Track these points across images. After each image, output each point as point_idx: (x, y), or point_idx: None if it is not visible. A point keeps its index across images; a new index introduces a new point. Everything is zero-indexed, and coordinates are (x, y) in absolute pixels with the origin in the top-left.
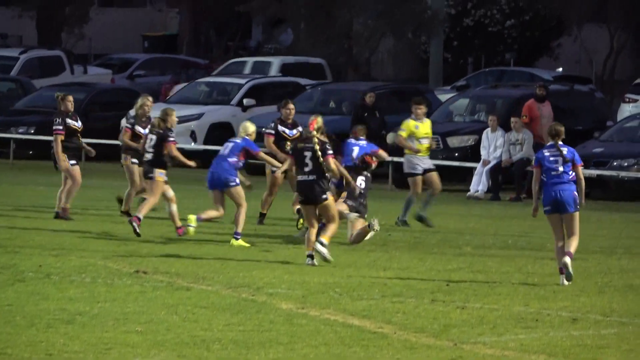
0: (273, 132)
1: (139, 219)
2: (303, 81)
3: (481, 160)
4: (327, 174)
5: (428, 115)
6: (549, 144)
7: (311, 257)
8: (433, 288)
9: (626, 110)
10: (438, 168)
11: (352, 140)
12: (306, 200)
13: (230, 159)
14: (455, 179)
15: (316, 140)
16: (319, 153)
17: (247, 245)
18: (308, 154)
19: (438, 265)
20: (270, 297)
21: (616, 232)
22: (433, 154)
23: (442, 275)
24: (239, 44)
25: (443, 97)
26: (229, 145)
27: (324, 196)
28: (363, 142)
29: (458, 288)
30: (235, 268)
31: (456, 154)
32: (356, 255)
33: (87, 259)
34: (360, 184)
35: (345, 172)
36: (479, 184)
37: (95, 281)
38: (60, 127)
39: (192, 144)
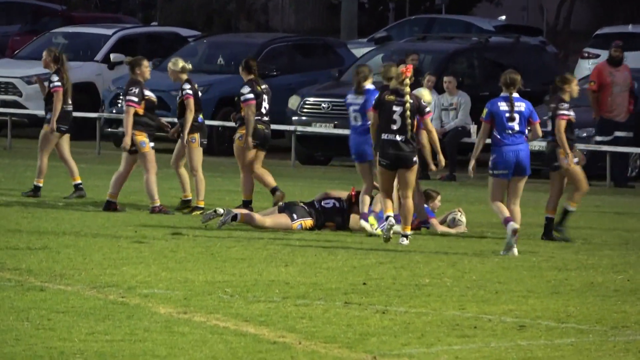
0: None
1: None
2: (184, 32)
3: None
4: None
5: (340, 73)
6: (502, 95)
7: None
8: (347, 288)
9: (585, 68)
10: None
11: None
12: (391, 165)
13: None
14: None
15: (409, 95)
16: (409, 111)
17: (378, 231)
18: (398, 109)
19: (352, 259)
20: (145, 300)
21: (573, 219)
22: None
23: (358, 273)
24: None
25: (358, 52)
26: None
27: (415, 159)
28: None
29: (377, 288)
30: (101, 264)
31: None
32: (250, 247)
33: None
34: None
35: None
36: None
37: None
38: (136, 99)
39: None
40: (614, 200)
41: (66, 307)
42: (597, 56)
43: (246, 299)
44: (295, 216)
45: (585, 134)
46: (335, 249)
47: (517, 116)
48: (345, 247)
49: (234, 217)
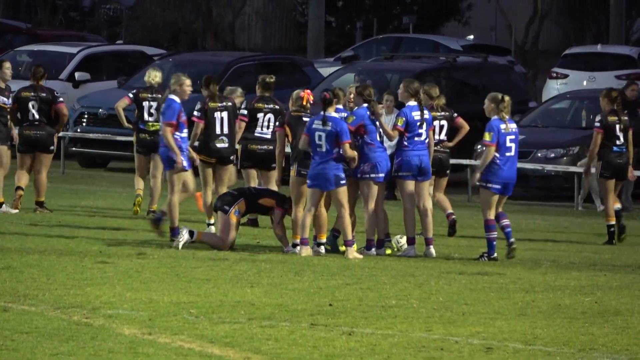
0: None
1: None
2: (149, 50)
3: None
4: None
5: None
6: (411, 104)
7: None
8: (313, 309)
9: (553, 88)
10: None
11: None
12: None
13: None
14: None
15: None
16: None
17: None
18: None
19: (319, 280)
20: (109, 320)
21: (540, 240)
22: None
23: (324, 294)
24: (70, 2)
25: (325, 71)
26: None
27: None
28: None
29: (344, 309)
30: (65, 284)
31: None
32: (216, 268)
33: None
34: None
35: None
36: None
37: None
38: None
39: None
40: (581, 222)
41: (30, 327)
42: (566, 76)
43: (211, 320)
44: (227, 207)
45: (553, 155)
46: (301, 270)
47: (423, 124)
48: (311, 268)
49: (191, 234)
